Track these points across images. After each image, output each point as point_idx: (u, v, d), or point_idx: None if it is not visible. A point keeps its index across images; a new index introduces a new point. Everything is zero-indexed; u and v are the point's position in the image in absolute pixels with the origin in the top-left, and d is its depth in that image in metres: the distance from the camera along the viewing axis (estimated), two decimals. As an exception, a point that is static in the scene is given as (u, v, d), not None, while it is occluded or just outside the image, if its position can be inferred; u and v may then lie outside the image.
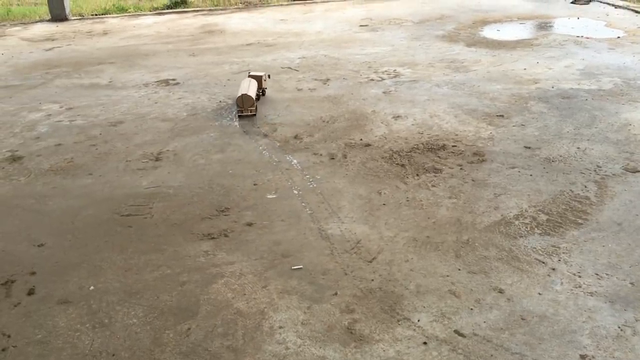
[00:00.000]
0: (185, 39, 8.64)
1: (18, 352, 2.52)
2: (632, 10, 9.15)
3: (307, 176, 4.02)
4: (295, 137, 4.71)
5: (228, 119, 5.21)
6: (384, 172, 4.02)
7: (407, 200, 3.63)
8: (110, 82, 6.57)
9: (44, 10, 10.99)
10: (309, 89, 5.94)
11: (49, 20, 10.57)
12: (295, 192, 3.80)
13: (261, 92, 5.67)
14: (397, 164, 4.14)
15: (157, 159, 4.42)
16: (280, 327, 2.59)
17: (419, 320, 2.59)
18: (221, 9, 11.12)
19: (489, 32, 8.13)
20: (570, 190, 3.68)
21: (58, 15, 10.51)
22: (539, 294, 2.74)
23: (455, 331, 2.52)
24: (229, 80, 6.38)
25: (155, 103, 5.74)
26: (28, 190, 4.03)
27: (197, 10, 11.08)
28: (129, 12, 11.23)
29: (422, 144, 4.45)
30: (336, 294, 2.79)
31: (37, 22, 10.59)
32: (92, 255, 3.20)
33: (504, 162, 4.10)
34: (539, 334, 2.48)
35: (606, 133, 4.52)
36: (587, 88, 5.56)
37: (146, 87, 6.30)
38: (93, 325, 2.66)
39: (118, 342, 2.55)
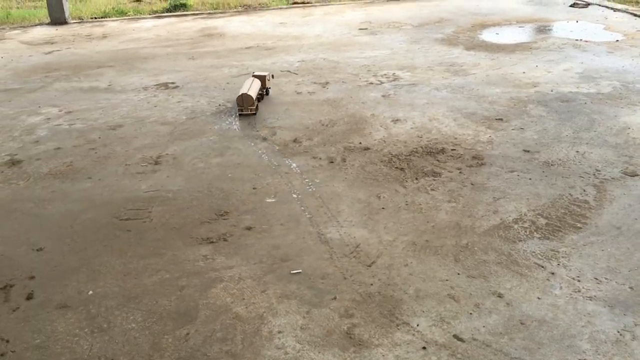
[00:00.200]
0: (185, 42, 8.65)
1: (17, 357, 2.52)
2: (631, 13, 9.17)
3: (306, 180, 4.02)
4: (295, 140, 4.71)
5: (227, 122, 5.21)
6: (383, 176, 4.02)
7: (406, 204, 3.63)
8: (109, 85, 6.57)
9: (44, 14, 11.00)
10: (308, 92, 5.95)
11: (48, 24, 10.58)
12: (295, 196, 3.80)
13: (265, 91, 5.78)
14: (396, 167, 4.14)
15: (156, 163, 4.42)
16: (279, 332, 2.59)
17: (418, 325, 2.59)
18: (220, 13, 11.13)
19: (488, 36, 8.14)
20: (570, 194, 3.68)
21: (57, 18, 10.52)
22: (538, 298, 2.73)
23: (455, 336, 2.52)
24: (228, 83, 6.39)
25: (155, 106, 5.74)
26: (27, 194, 4.03)
27: (197, 14, 11.09)
28: (129, 16, 11.23)
29: (421, 147, 4.45)
30: (335, 298, 2.79)
31: (36, 25, 10.60)
32: (91, 260, 3.20)
33: (503, 165, 4.11)
34: (538, 339, 2.48)
35: (605, 137, 4.53)
36: (586, 91, 5.57)
37: (145, 90, 6.30)
38: (92, 330, 2.65)
39: (117, 347, 2.54)
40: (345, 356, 2.43)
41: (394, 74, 6.44)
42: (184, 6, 11.59)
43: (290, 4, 11.68)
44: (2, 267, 3.17)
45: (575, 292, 2.77)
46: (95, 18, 11.05)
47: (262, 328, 2.62)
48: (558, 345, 2.44)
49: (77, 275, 3.06)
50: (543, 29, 8.56)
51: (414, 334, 2.53)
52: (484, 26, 8.74)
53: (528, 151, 4.32)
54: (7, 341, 2.61)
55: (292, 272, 3.00)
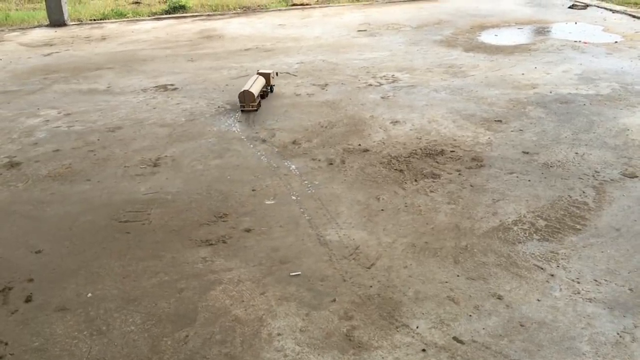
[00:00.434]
0: (184, 44, 8.65)
1: (15, 360, 2.51)
2: (630, 15, 9.18)
3: (306, 182, 4.01)
4: (294, 142, 4.71)
5: (226, 124, 5.21)
6: (382, 178, 4.02)
7: (406, 206, 3.63)
8: (108, 87, 6.57)
9: (43, 16, 11.00)
10: (307, 94, 5.95)
11: (47, 26, 10.58)
12: (294, 197, 3.80)
13: (269, 88, 5.96)
14: (396, 169, 4.14)
15: (155, 165, 4.42)
16: (279, 334, 2.58)
17: (417, 327, 2.58)
18: (220, 14, 11.14)
19: (487, 37, 8.15)
20: (569, 195, 3.68)
21: (56, 20, 10.52)
22: (538, 300, 2.73)
23: (454, 338, 2.51)
24: (227, 85, 6.38)
25: (154, 108, 5.74)
26: (26, 196, 4.03)
27: (196, 16, 11.10)
28: (128, 18, 11.23)
29: (421, 149, 4.45)
30: (335, 300, 2.78)
31: (35, 27, 10.59)
32: (90, 262, 3.19)
33: (502, 167, 4.10)
34: (538, 341, 2.48)
35: (604, 138, 4.53)
36: (585, 93, 5.57)
37: (144, 92, 6.30)
38: (91, 332, 2.65)
39: (116, 349, 2.54)
40: (345, 358, 2.43)
41: (393, 75, 6.44)
42: (183, 8, 11.59)
43: (289, 5, 11.69)
44: (1, 270, 3.16)
45: (575, 293, 2.76)
46: (94, 20, 11.05)
47: (261, 330, 2.61)
48: (558, 347, 2.44)
49: (75, 278, 3.06)
50: (542, 30, 8.57)
51: (413, 336, 2.53)
52: (482, 28, 8.75)
53: (527, 153, 4.32)
54: (6, 344, 2.60)
55: (291, 274, 3.00)
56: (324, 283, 2.91)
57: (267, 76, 5.89)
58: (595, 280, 2.85)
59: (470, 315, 2.64)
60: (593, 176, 3.92)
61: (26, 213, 3.79)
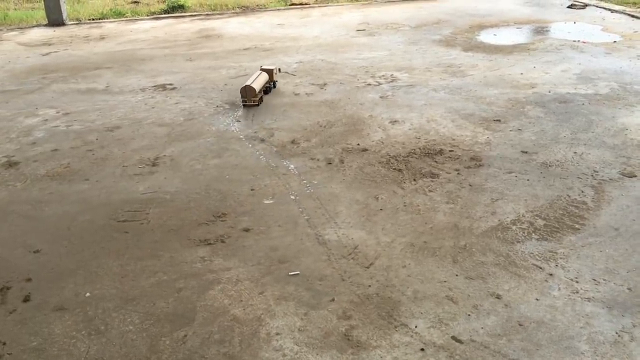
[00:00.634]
0: (183, 43, 8.64)
1: (13, 360, 2.51)
2: (629, 14, 9.19)
3: (304, 181, 4.01)
4: (293, 142, 4.71)
5: (225, 123, 5.21)
6: (381, 177, 4.02)
7: (405, 206, 3.62)
8: (107, 87, 6.56)
9: (41, 15, 10.98)
10: (306, 93, 5.94)
11: (46, 25, 10.56)
12: (292, 197, 3.80)
13: (272, 84, 6.07)
14: (394, 169, 4.14)
15: (153, 164, 4.41)
16: (277, 334, 2.58)
17: (416, 327, 2.58)
18: (218, 14, 11.13)
19: (486, 37, 8.15)
20: (568, 195, 3.68)
21: (55, 20, 10.51)
22: (537, 299, 2.73)
23: (453, 337, 2.51)
24: (226, 85, 6.38)
25: (152, 108, 5.73)
26: (24, 195, 4.02)
27: (194, 15, 11.09)
28: (126, 17, 11.22)
29: (419, 148, 4.45)
30: (333, 300, 2.78)
31: (34, 26, 10.58)
32: (88, 262, 3.19)
33: (501, 166, 4.10)
34: (537, 340, 2.48)
35: (603, 138, 4.53)
36: (583, 92, 5.57)
37: (143, 92, 6.29)
38: (89, 332, 2.64)
39: (114, 349, 2.53)
40: (343, 358, 2.42)
41: (392, 75, 6.44)
42: (181, 7, 11.59)
43: (288, 5, 11.68)
44: (-1, 269, 3.16)
45: (574, 293, 2.76)
46: (93, 19, 11.04)
47: (259, 330, 2.61)
48: (556, 347, 2.44)
49: (74, 277, 3.05)
50: (541, 30, 8.57)
51: (412, 336, 2.53)
52: (481, 27, 8.75)
53: (526, 152, 4.32)
54: (4, 343, 2.60)
55: (290, 273, 3.00)
56: (322, 282, 2.91)
57: (270, 72, 5.99)
58: (594, 280, 2.85)
59: (469, 315, 2.64)
60: (592, 176, 3.92)
61: (24, 213, 3.78)
